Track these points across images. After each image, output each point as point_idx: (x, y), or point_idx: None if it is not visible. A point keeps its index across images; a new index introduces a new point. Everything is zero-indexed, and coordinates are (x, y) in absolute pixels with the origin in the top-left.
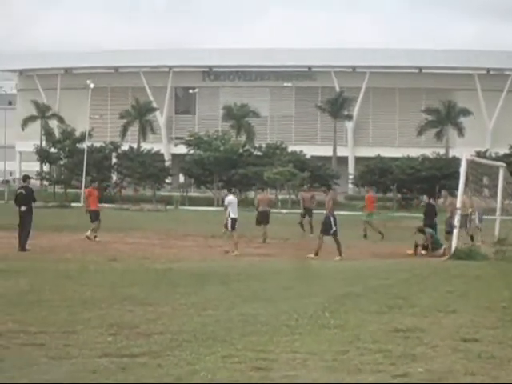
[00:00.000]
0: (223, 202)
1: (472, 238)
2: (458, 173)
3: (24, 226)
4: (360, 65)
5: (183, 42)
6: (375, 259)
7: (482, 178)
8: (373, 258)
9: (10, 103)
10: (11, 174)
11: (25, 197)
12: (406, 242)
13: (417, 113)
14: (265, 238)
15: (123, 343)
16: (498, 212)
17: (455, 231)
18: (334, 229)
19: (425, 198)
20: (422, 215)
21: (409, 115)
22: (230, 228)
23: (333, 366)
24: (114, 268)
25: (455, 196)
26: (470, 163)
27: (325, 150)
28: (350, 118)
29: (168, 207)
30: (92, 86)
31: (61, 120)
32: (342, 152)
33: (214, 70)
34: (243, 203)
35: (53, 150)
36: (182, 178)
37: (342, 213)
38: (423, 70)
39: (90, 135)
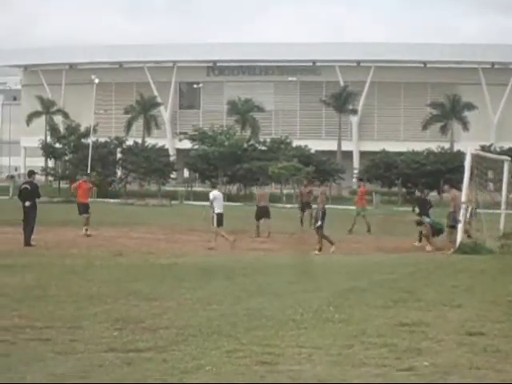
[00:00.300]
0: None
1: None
2: (462, 167)
3: (28, 222)
4: (364, 59)
5: (187, 36)
6: (380, 253)
7: (486, 172)
8: (378, 252)
9: (14, 99)
10: (16, 169)
11: (30, 192)
12: (411, 237)
13: (421, 107)
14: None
15: (129, 338)
16: (503, 206)
17: (460, 225)
18: (319, 223)
19: (416, 192)
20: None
21: (413, 109)
22: (215, 224)
23: (338, 360)
24: (119, 263)
25: (458, 189)
26: (475, 157)
27: (329, 145)
28: (354, 112)
29: (173, 202)
30: (97, 81)
31: (65, 115)
32: (346, 146)
33: (219, 64)
34: (249, 198)
35: (58, 145)
36: (186, 173)
37: (346, 207)
38: (428, 65)
39: (95, 130)
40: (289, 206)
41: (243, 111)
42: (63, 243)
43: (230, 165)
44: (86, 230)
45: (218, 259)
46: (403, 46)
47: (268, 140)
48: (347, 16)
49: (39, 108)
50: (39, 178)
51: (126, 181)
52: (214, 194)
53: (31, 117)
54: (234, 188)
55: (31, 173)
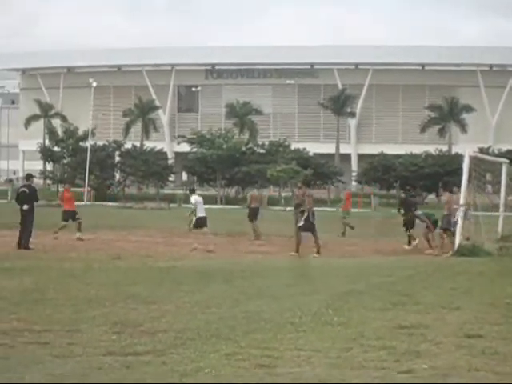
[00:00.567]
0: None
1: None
2: (461, 169)
3: (26, 225)
4: (362, 62)
5: (186, 40)
6: (378, 256)
7: (484, 175)
8: (375, 255)
9: (12, 102)
10: (14, 172)
11: (28, 195)
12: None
13: (420, 109)
14: (258, 233)
15: (127, 341)
16: (501, 208)
17: (458, 227)
18: (300, 223)
19: (402, 194)
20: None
21: (412, 112)
22: (192, 226)
23: (337, 363)
24: (118, 266)
25: (454, 192)
26: (473, 160)
27: (328, 148)
28: (352, 115)
29: (171, 205)
30: (95, 84)
31: (64, 119)
32: (344, 149)
33: (217, 67)
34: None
35: (56, 148)
36: (185, 176)
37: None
38: (426, 67)
39: (93, 134)
40: (288, 208)
41: (241, 114)
42: (61, 247)
43: (228, 168)
44: (55, 232)
45: (216, 262)
46: (401, 49)
47: (266, 143)
48: (345, 19)
49: (37, 111)
50: (37, 182)
51: (125, 184)
52: (196, 198)
53: (29, 120)
54: (232, 191)
55: (29, 176)
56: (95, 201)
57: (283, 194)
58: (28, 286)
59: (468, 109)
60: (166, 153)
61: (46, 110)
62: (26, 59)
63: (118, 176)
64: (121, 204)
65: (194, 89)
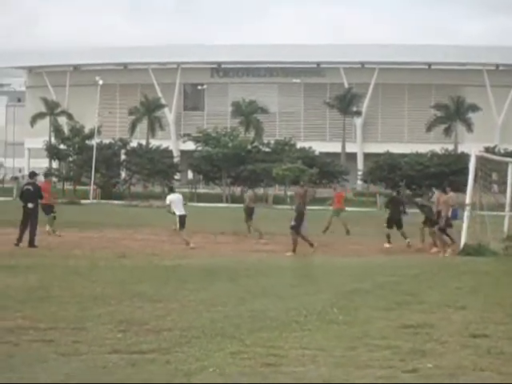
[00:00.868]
0: (230, 198)
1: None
2: (467, 169)
3: (31, 223)
4: (369, 61)
5: (192, 38)
6: (383, 255)
7: (491, 174)
8: (380, 254)
9: (19, 100)
10: (20, 170)
11: (32, 193)
12: (415, 239)
13: (426, 109)
14: (249, 233)
15: (133, 340)
16: (507, 208)
17: (464, 226)
18: (292, 223)
19: (393, 193)
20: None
21: (418, 111)
22: (177, 226)
23: (342, 362)
24: (124, 265)
25: (446, 192)
26: (479, 159)
27: (333, 147)
28: (358, 114)
29: None
30: (101, 82)
31: (70, 117)
32: (350, 148)
33: (223, 66)
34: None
35: (62, 146)
36: (190, 175)
37: (350, 209)
38: (432, 66)
39: (99, 132)
40: (294, 207)
41: (247, 113)
42: (67, 244)
43: (233, 166)
44: (53, 230)
45: (221, 261)
46: (407, 48)
47: (272, 142)
48: (351, 17)
49: (43, 109)
50: (42, 180)
51: (130, 182)
52: (170, 198)
53: (35, 118)
54: (237, 189)
55: (33, 174)
56: (101, 199)
57: (289, 193)
58: (33, 284)
59: (474, 108)
60: (171, 151)
61: (52, 108)
62: (33, 57)
63: (123, 174)
64: (126, 202)
65: (199, 87)
